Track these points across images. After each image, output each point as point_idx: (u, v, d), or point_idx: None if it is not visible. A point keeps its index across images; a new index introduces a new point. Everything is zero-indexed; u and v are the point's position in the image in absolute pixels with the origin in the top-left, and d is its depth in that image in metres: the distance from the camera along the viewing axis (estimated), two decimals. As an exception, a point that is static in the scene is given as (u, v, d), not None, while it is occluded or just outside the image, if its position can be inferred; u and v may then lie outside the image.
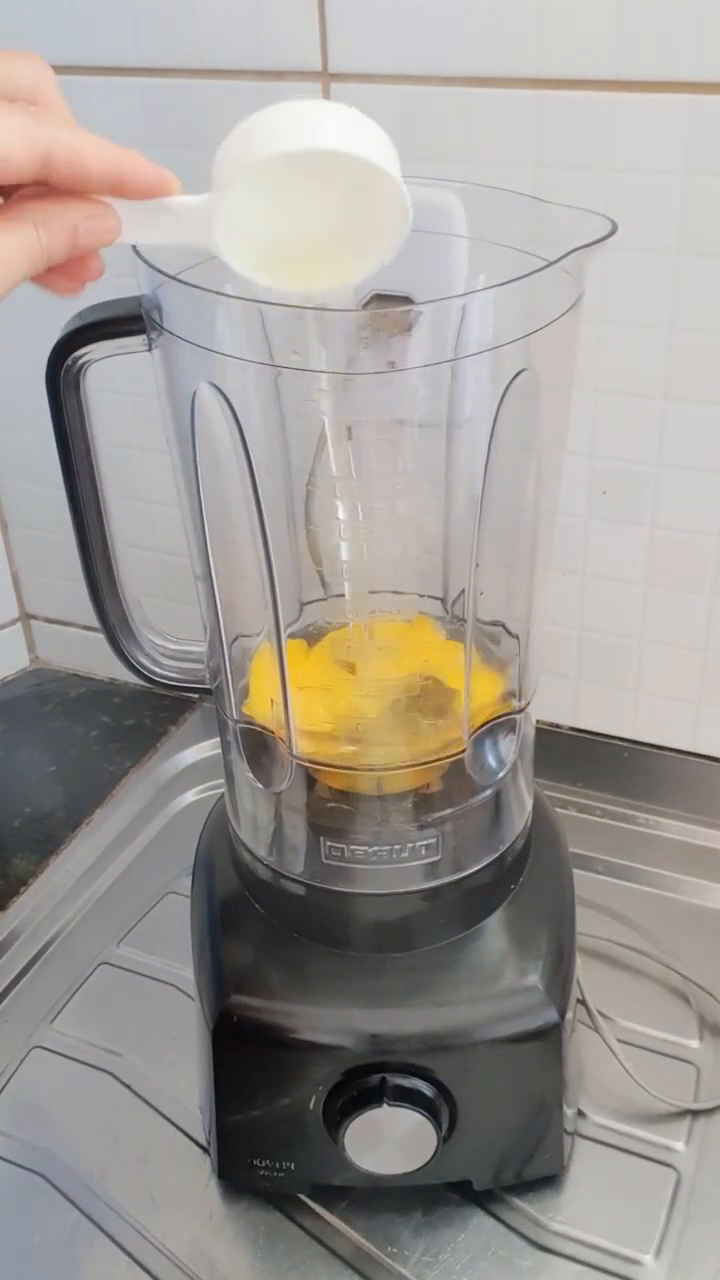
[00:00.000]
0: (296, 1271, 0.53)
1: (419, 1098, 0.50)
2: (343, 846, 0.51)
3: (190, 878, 0.59)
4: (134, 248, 0.43)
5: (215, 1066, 0.52)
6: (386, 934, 0.53)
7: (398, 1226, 0.55)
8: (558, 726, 0.78)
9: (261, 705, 0.52)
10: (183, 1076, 0.61)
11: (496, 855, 0.53)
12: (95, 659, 0.91)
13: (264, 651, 0.52)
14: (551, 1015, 0.51)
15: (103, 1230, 0.55)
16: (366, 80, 0.63)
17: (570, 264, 0.42)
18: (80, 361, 0.47)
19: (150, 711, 0.88)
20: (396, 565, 0.51)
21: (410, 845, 0.51)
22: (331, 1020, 0.51)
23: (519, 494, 0.49)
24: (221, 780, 0.56)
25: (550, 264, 0.41)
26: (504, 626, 0.53)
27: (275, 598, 0.48)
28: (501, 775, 0.53)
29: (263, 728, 0.52)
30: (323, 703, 0.51)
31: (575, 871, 0.59)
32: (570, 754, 0.78)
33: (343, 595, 0.51)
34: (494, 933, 0.53)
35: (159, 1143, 0.59)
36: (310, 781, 0.52)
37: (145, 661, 0.56)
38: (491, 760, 0.52)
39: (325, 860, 0.51)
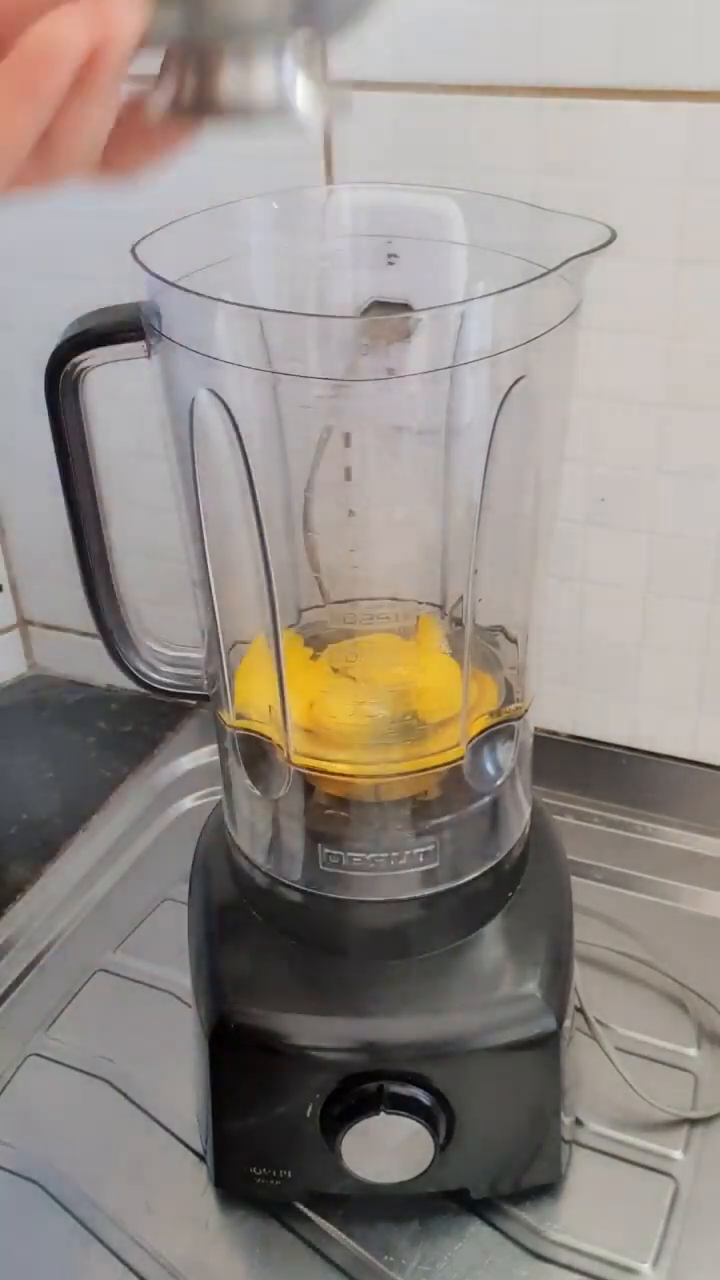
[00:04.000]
0: (293, 1280, 0.53)
1: (416, 1106, 0.50)
2: (340, 853, 0.50)
3: (188, 884, 0.59)
4: (133, 253, 0.43)
5: (212, 1074, 0.52)
6: (384, 941, 0.52)
7: (395, 1235, 0.55)
8: (556, 733, 0.78)
9: (249, 709, 0.52)
10: (179, 1084, 0.61)
11: (494, 862, 0.53)
12: (93, 665, 0.91)
13: (250, 655, 0.52)
14: (549, 1023, 0.51)
15: (99, 1239, 0.55)
16: (366, 88, 0.63)
17: (569, 271, 0.42)
18: (79, 368, 0.47)
19: (148, 718, 0.88)
20: (395, 572, 0.51)
21: (408, 852, 0.50)
22: (329, 1028, 0.50)
23: (518, 501, 0.49)
24: (219, 787, 0.56)
25: (549, 271, 0.41)
26: (503, 632, 0.53)
27: (274, 604, 0.48)
28: (500, 782, 0.53)
29: (260, 734, 0.52)
30: (320, 709, 0.51)
31: (573, 879, 0.58)
32: (569, 761, 0.78)
33: (341, 602, 0.51)
34: (492, 940, 0.53)
35: (155, 1151, 0.59)
36: (308, 788, 0.52)
37: (143, 668, 0.56)
38: (490, 767, 0.52)
39: (323, 867, 0.51)
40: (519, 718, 0.53)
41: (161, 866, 0.75)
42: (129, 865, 0.76)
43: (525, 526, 0.50)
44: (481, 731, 0.52)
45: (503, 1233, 0.55)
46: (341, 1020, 0.51)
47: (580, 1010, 0.58)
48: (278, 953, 0.53)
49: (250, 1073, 0.51)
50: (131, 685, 0.56)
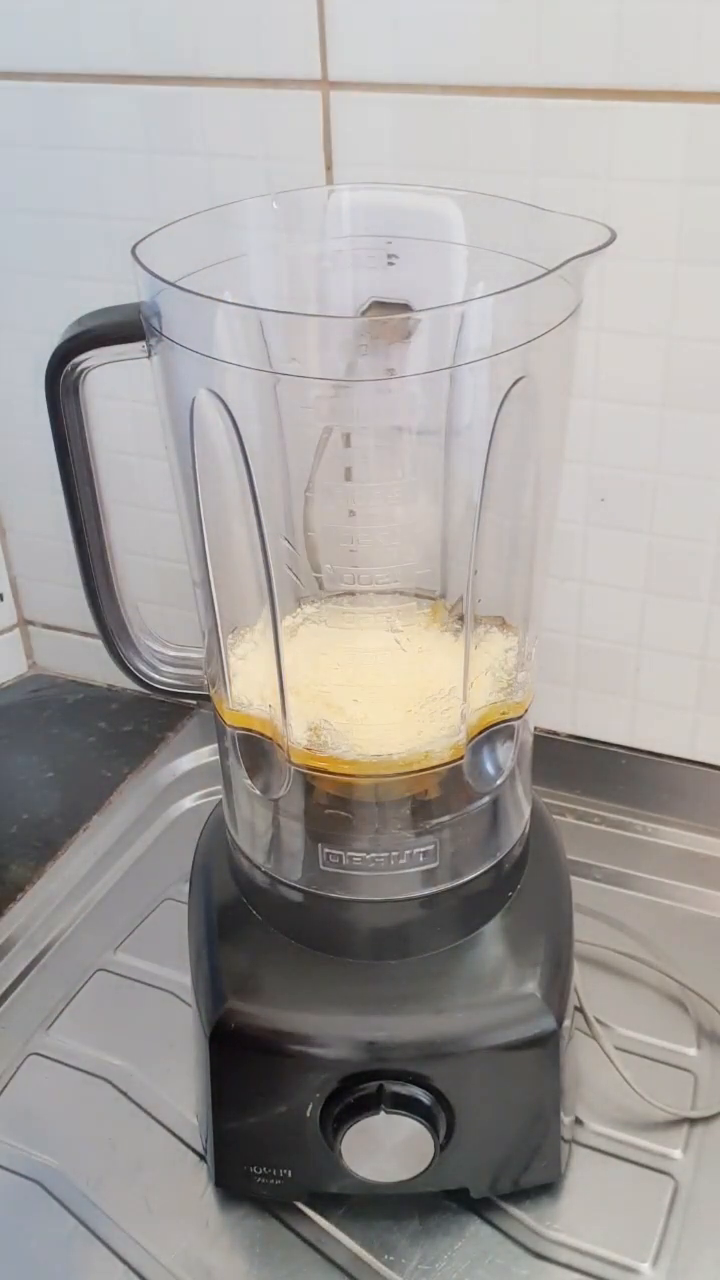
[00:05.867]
0: (293, 1279, 0.53)
1: (416, 1105, 0.50)
2: (340, 853, 0.51)
3: (188, 884, 0.59)
4: (133, 254, 0.43)
5: (212, 1073, 0.52)
6: (384, 941, 0.53)
7: (394, 1234, 0.55)
8: (555, 733, 0.78)
9: (249, 708, 0.52)
10: (180, 1084, 0.61)
11: (494, 862, 0.53)
12: (93, 665, 0.91)
13: (251, 654, 0.52)
14: (549, 1023, 0.51)
15: (99, 1238, 0.55)
16: (366, 89, 0.63)
17: (569, 272, 0.42)
18: (79, 368, 0.47)
19: (148, 718, 0.88)
20: (394, 572, 0.51)
21: (408, 852, 0.51)
22: (329, 1027, 0.51)
23: (517, 501, 0.49)
24: (219, 786, 0.56)
25: (549, 272, 0.41)
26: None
27: (274, 604, 0.48)
28: (499, 782, 0.53)
29: (260, 734, 0.52)
30: (320, 707, 0.51)
31: (573, 879, 0.59)
32: (568, 761, 0.78)
33: (340, 600, 0.51)
34: (491, 940, 0.53)
35: (156, 1150, 0.59)
36: (308, 788, 0.52)
37: (143, 668, 0.56)
38: (490, 767, 0.52)
39: (323, 867, 0.51)
40: (519, 717, 0.53)
41: (162, 866, 0.75)
42: (129, 865, 0.76)
43: (525, 526, 0.50)
44: (482, 731, 0.52)
45: (502, 1232, 0.55)
46: (341, 1020, 0.51)
47: (580, 1010, 0.58)
48: (278, 953, 0.53)
49: (250, 1072, 0.52)
50: (131, 685, 0.56)
